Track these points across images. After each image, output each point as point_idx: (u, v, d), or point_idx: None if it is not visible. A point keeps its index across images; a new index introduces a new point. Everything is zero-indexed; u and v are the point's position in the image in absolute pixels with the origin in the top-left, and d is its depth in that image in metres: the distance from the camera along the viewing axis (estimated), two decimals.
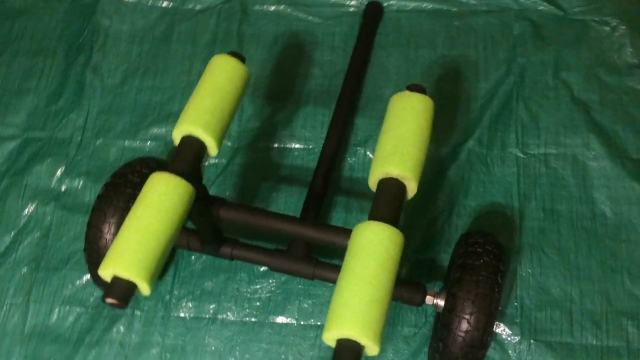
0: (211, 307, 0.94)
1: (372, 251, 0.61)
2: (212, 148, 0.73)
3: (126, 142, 1.07)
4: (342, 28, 1.15)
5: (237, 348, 0.92)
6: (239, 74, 0.77)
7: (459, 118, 1.05)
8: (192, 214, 0.80)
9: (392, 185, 0.67)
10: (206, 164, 1.04)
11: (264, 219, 0.77)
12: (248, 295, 0.95)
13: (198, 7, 1.18)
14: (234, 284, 0.95)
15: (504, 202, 0.98)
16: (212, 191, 1.01)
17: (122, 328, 0.94)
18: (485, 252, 0.76)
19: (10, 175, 1.06)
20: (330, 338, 0.59)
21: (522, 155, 1.01)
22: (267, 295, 0.95)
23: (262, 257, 0.86)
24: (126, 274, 0.61)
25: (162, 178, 0.67)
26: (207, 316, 0.94)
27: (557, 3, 1.13)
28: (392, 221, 0.65)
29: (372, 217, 0.66)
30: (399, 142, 0.69)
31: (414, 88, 0.75)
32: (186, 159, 0.70)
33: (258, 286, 0.95)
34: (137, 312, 0.94)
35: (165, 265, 0.97)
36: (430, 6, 1.15)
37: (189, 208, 0.68)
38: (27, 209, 1.03)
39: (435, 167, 1.01)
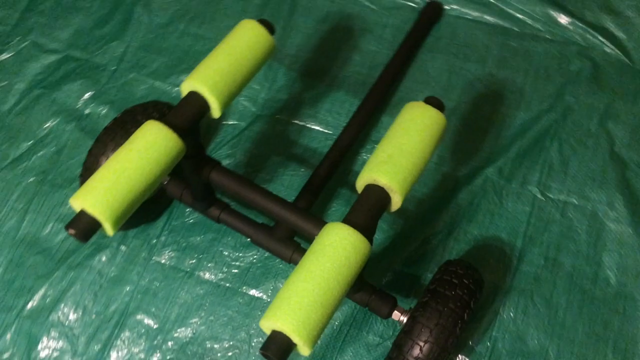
0: (191, 262, 0.95)
1: (332, 253, 0.60)
2: (215, 110, 0.72)
3: (156, 82, 1.08)
4: (396, 21, 1.11)
5: (205, 307, 0.92)
6: (262, 43, 0.75)
7: (486, 142, 1.01)
8: (184, 169, 0.81)
9: (376, 193, 0.65)
10: (227, 122, 1.04)
11: (251, 193, 0.77)
12: (229, 260, 0.95)
13: None
14: (219, 246, 0.96)
15: (507, 239, 0.94)
16: (223, 151, 1.02)
17: (104, 258, 0.96)
18: (460, 285, 0.73)
19: (43, 86, 1.09)
20: (265, 326, 0.58)
21: (540, 197, 0.96)
22: (247, 265, 0.95)
23: (246, 228, 0.86)
24: (92, 210, 0.62)
25: (153, 127, 0.67)
26: (186, 269, 0.95)
27: (627, 50, 1.06)
28: (365, 229, 0.63)
29: (346, 220, 0.64)
30: (395, 152, 0.66)
31: (432, 101, 0.72)
32: (185, 114, 0.70)
33: (241, 254, 0.95)
34: (122, 247, 0.96)
35: (160, 210, 0.98)
36: (493, 20, 1.10)
37: (173, 162, 0.68)
38: (49, 123, 1.06)
39: (447, 185, 0.98)
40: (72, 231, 0.62)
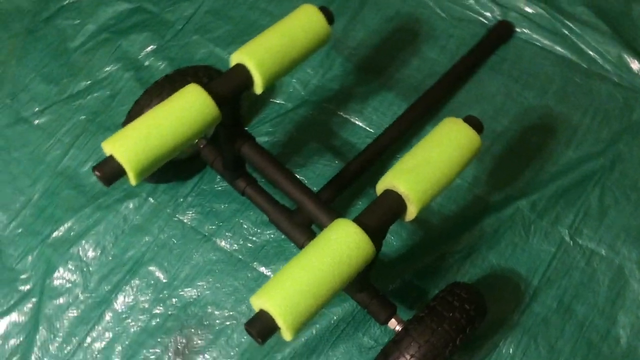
0: (211, 227, 0.97)
1: (334, 248, 0.60)
2: (258, 86, 0.73)
3: (216, 48, 1.10)
4: (463, 33, 1.10)
5: (214, 274, 0.95)
6: (317, 30, 0.76)
7: (526, 173, 0.98)
8: (220, 137, 0.82)
9: (392, 200, 0.65)
10: (274, 100, 1.06)
11: (276, 173, 0.78)
12: (247, 234, 0.97)
13: None
14: (240, 218, 0.98)
15: (525, 274, 0.92)
16: (264, 128, 1.03)
17: (131, 206, 0.99)
18: (461, 309, 0.72)
19: (111, 31, 1.13)
20: (255, 303, 0.59)
21: (568, 240, 0.93)
22: (263, 242, 0.96)
23: (266, 206, 0.87)
24: (119, 157, 0.65)
25: (194, 90, 0.69)
26: (204, 233, 0.97)
27: None
28: (373, 232, 0.63)
29: (357, 219, 0.64)
30: (421, 163, 0.66)
31: (471, 121, 0.71)
32: (227, 84, 0.72)
33: (259, 230, 0.97)
34: (150, 199, 1.00)
35: (193, 172, 1.01)
36: (562, 52, 1.07)
37: (206, 128, 0.69)
38: (109, 67, 1.10)
39: (476, 208, 0.96)
40: (97, 173, 0.65)
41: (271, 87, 1.06)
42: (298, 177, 0.98)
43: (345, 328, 0.90)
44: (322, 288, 0.59)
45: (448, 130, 0.69)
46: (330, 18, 0.78)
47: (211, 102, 0.69)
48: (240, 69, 0.73)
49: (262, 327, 0.57)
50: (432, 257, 0.93)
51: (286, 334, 0.58)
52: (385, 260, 0.94)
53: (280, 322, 0.57)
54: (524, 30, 1.09)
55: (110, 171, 0.65)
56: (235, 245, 0.96)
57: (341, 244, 0.61)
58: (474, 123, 0.71)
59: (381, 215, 0.65)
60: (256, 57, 0.72)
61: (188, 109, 0.68)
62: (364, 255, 0.62)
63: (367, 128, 1.03)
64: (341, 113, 1.04)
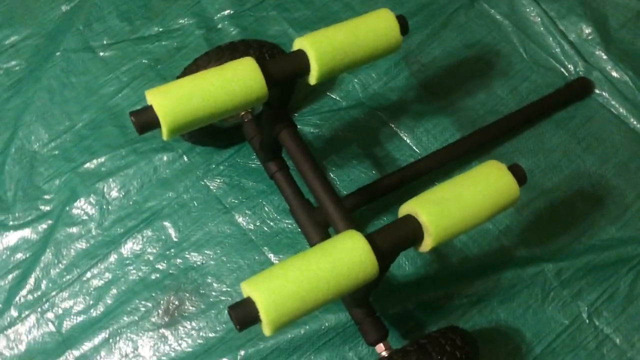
0: (234, 201, 0.97)
1: (336, 257, 0.59)
2: (313, 77, 0.72)
3: (290, 29, 1.09)
4: (539, 79, 1.05)
5: (223, 246, 0.94)
6: (388, 36, 0.74)
7: (561, 238, 0.94)
8: (263, 116, 0.82)
9: (411, 226, 0.63)
10: (330, 94, 1.04)
11: (305, 166, 0.76)
12: (266, 217, 0.96)
13: None
14: (264, 200, 0.97)
15: (529, 339, 0.88)
16: (312, 119, 1.02)
17: (165, 158, 1.00)
18: (451, 355, 0.70)
19: None
20: (245, 289, 0.58)
21: (585, 317, 0.89)
22: (279, 230, 0.95)
23: (291, 195, 0.86)
24: (157, 108, 0.65)
25: (248, 64, 0.68)
26: (225, 205, 0.97)
27: None
28: (382, 252, 0.61)
29: (369, 235, 0.62)
30: (451, 198, 0.63)
31: (516, 170, 0.67)
32: (283, 66, 0.70)
33: (279, 217, 0.96)
34: (185, 157, 1.00)
35: (232, 142, 1.01)
36: (637, 125, 1.01)
37: (250, 103, 0.68)
38: (184, 20, 1.10)
39: (499, 257, 0.93)
40: (133, 119, 0.65)
41: (331, 81, 1.05)
42: (330, 176, 0.98)
43: (334, 337, 0.88)
44: (313, 294, 0.58)
45: (488, 173, 0.66)
46: (404, 28, 0.76)
47: (261, 80, 0.68)
48: (300, 55, 0.71)
49: (243, 314, 0.56)
50: (441, 293, 0.90)
51: (265, 329, 0.57)
52: (393, 282, 0.92)
53: (263, 315, 0.56)
54: (603, 93, 1.03)
55: (145, 120, 0.65)
56: (252, 225, 0.96)
57: (344, 256, 0.59)
58: (518, 174, 0.67)
59: (394, 238, 0.62)
60: (319, 47, 0.70)
61: (236, 81, 0.67)
62: (365, 273, 0.60)
63: (414, 147, 1.00)
64: (392, 125, 1.02)
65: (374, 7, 0.76)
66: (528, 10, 1.09)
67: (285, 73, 0.71)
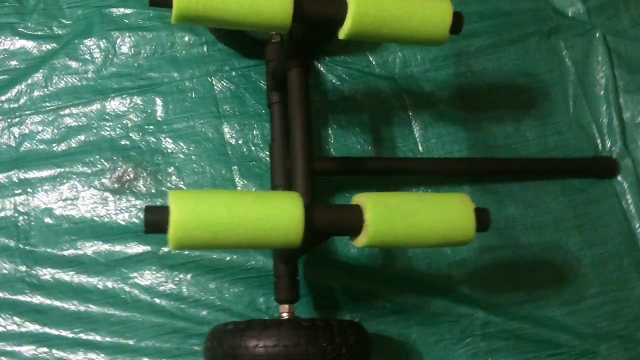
0: (229, 110, 0.95)
1: (267, 212, 0.57)
2: (344, 31, 0.67)
3: None
4: (571, 139, 1.01)
5: (198, 146, 0.94)
6: (435, 29, 0.69)
7: (509, 296, 0.92)
8: (283, 46, 0.79)
9: (354, 217, 0.60)
10: (370, 57, 1.00)
11: (296, 113, 0.74)
12: (250, 140, 0.95)
13: None
14: (257, 123, 0.95)
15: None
16: (338, 71, 1.00)
17: (187, 39, 0.98)
18: (336, 347, 0.69)
19: None
20: (170, 197, 0.57)
21: None
22: (256, 157, 0.94)
23: (277, 131, 0.85)
24: None
25: None
26: (220, 110, 0.95)
27: None
28: (315, 227, 0.59)
29: (311, 206, 0.61)
30: (404, 211, 0.61)
31: (482, 215, 0.64)
32: (317, 6, 0.66)
33: (262, 146, 0.95)
34: (204, 48, 0.97)
35: (257, 54, 0.97)
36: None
37: (268, 24, 0.64)
38: None
39: (440, 284, 0.91)
40: None
41: (376, 45, 1.01)
42: (328, 132, 0.95)
43: (254, 278, 0.88)
44: (229, 235, 0.57)
45: (452, 204, 0.63)
46: (457, 27, 0.71)
47: (289, 10, 0.64)
48: (340, 4, 0.67)
49: (154, 220, 0.56)
50: (370, 288, 0.89)
51: (170, 243, 0.57)
52: (331, 255, 0.91)
53: (171, 229, 0.55)
54: (624, 183, 0.98)
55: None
56: (234, 141, 0.94)
57: (275, 213, 0.57)
58: (483, 220, 0.64)
59: (333, 220, 0.61)
60: (361, 7, 0.66)
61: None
62: (287, 238, 0.58)
63: (419, 144, 0.97)
64: (410, 113, 0.98)
65: None
66: (599, 68, 1.02)
67: (316, 14, 0.67)
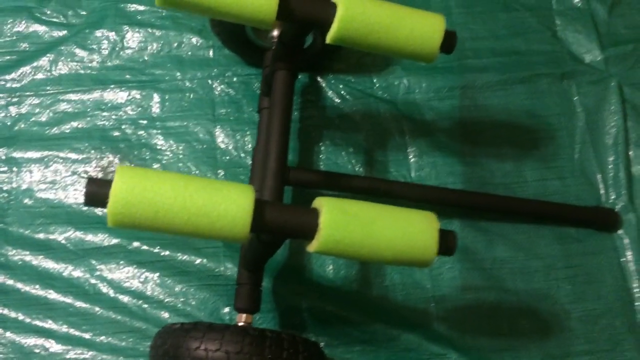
0: (224, 115, 0.95)
1: (214, 199, 0.54)
2: (330, 35, 0.66)
3: None
4: (572, 186, 0.95)
5: (187, 146, 0.93)
6: (424, 43, 0.67)
7: (486, 341, 0.86)
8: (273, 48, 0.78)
9: (307, 219, 0.57)
10: (373, 78, 0.99)
11: (275, 115, 0.73)
12: (241, 147, 0.93)
13: None
14: (251, 131, 0.94)
15: None
16: (339, 87, 0.98)
17: (193, 40, 0.98)
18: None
19: None
20: (117, 170, 0.55)
21: None
22: (244, 164, 0.93)
23: (262, 136, 0.83)
24: None
25: None
26: (215, 113, 0.95)
27: None
28: (265, 224, 0.56)
29: (264, 202, 0.58)
30: (362, 218, 0.57)
31: (447, 239, 0.60)
32: (304, 5, 0.65)
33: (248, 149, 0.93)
34: (210, 52, 0.98)
35: (257, 62, 0.98)
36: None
37: (251, 19, 0.64)
38: None
39: (415, 317, 0.86)
40: None
41: (381, 64, 0.99)
42: (320, 148, 0.93)
43: (221, 286, 0.86)
44: (170, 217, 0.54)
45: (416, 220, 0.60)
46: (448, 46, 0.69)
47: (273, 5, 0.64)
48: (328, 5, 0.66)
49: (94, 192, 0.53)
50: (338, 308, 0.85)
51: (108, 218, 0.55)
52: (300, 267, 0.87)
53: (110, 204, 0.53)
54: (625, 239, 0.92)
55: None
56: (224, 145, 0.93)
57: (222, 202, 0.55)
58: (447, 242, 0.60)
59: (284, 220, 0.58)
60: (349, 10, 0.65)
61: None
62: (232, 231, 0.55)
63: (412, 170, 0.94)
64: (407, 138, 0.96)
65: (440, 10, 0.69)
66: (610, 117, 0.98)
67: (302, 13, 0.66)
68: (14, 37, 0.97)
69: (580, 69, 1.01)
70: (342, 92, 0.97)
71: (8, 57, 0.96)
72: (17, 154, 0.91)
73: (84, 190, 0.54)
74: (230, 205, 0.55)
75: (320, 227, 0.57)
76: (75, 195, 0.89)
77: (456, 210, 0.91)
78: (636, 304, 0.89)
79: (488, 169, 0.95)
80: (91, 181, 0.54)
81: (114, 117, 0.94)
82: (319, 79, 0.98)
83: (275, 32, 0.88)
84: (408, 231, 0.59)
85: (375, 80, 0.99)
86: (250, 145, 0.93)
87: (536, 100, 0.99)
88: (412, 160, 0.95)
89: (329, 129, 0.96)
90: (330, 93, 0.97)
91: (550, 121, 0.98)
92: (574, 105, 0.99)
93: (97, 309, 0.84)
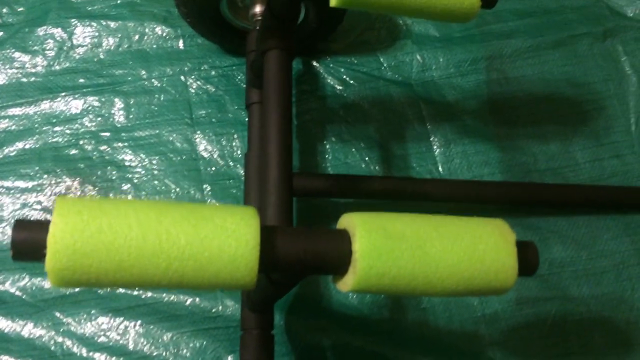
0: (203, 117, 0.78)
1: (202, 232, 0.37)
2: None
3: None
4: (635, 164, 0.80)
5: (163, 159, 0.76)
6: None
7: None
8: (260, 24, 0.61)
9: (338, 247, 0.41)
10: (380, 56, 0.82)
11: (272, 107, 0.56)
12: (227, 153, 0.77)
13: None
14: (237, 132, 0.77)
15: None
16: (341, 73, 0.82)
17: (157, 30, 0.82)
18: None
19: None
20: (56, 203, 0.38)
21: None
22: (234, 174, 0.76)
23: (254, 138, 0.66)
24: None
25: None
26: (192, 116, 0.78)
27: None
28: (278, 259, 0.40)
29: (274, 228, 0.41)
30: (412, 239, 0.41)
31: (526, 253, 0.44)
32: None
33: (237, 157, 0.76)
34: (180, 42, 0.81)
35: (241, 50, 0.80)
36: None
37: None
38: None
39: (464, 345, 0.70)
40: None
41: (388, 40, 0.83)
42: (325, 147, 0.76)
43: (221, 329, 0.68)
44: (141, 257, 0.37)
45: (485, 233, 0.43)
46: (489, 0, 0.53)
47: None
48: None
49: (25, 240, 0.36)
50: (373, 348, 0.69)
51: (49, 275, 0.37)
52: (321, 300, 0.70)
53: (49, 255, 0.36)
54: None
55: None
56: (207, 153, 0.76)
57: (214, 230, 0.38)
58: (529, 258, 0.44)
59: (305, 245, 0.40)
60: None
61: None
62: (232, 267, 0.38)
63: (439, 164, 0.77)
64: (429, 126, 0.79)
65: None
66: None
67: None
68: None
69: (623, 23, 0.85)
70: (344, 76, 0.81)
71: None
72: None
73: (11, 239, 0.36)
74: (227, 239, 0.38)
75: (355, 257, 0.40)
76: None
77: (498, 207, 0.75)
78: None
79: (530, 153, 0.79)
80: (19, 225, 0.37)
81: (68, 131, 0.76)
82: (314, 63, 0.81)
83: (258, 9, 0.71)
84: (476, 250, 0.42)
85: (382, 60, 0.82)
86: (239, 151, 0.76)
87: (576, 66, 0.83)
88: (437, 151, 0.78)
89: (333, 122, 0.79)
90: (329, 79, 0.80)
91: (597, 89, 0.82)
92: (622, 68, 0.84)
93: None
